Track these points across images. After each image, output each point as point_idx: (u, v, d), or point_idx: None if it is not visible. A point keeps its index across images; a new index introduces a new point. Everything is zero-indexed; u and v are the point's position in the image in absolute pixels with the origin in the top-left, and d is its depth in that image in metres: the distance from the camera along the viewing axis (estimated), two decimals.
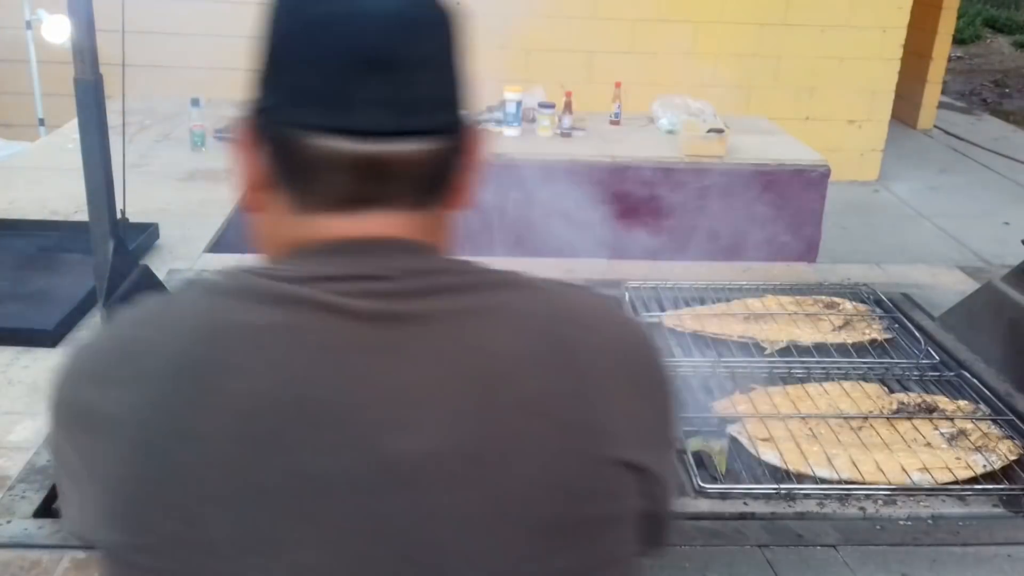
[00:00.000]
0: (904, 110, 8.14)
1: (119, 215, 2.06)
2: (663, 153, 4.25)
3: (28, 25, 5.11)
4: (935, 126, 8.74)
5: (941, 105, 9.00)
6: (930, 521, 1.65)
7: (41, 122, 5.35)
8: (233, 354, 0.71)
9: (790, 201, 4.20)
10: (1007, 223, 6.21)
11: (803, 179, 4.24)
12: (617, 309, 0.87)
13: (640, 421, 0.79)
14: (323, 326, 0.72)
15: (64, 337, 2.15)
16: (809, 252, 4.20)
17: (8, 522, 1.51)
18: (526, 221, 4.13)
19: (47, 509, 1.56)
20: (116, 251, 2.01)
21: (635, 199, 4.14)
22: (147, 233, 2.73)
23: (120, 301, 1.96)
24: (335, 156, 0.74)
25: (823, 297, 2.49)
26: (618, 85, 4.70)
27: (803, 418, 1.90)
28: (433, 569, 0.70)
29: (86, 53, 1.92)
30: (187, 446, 0.69)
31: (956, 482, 1.73)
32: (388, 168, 0.75)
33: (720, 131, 4.22)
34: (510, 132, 4.32)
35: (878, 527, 1.63)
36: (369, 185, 0.75)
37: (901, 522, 1.64)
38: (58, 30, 4.20)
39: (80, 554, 1.44)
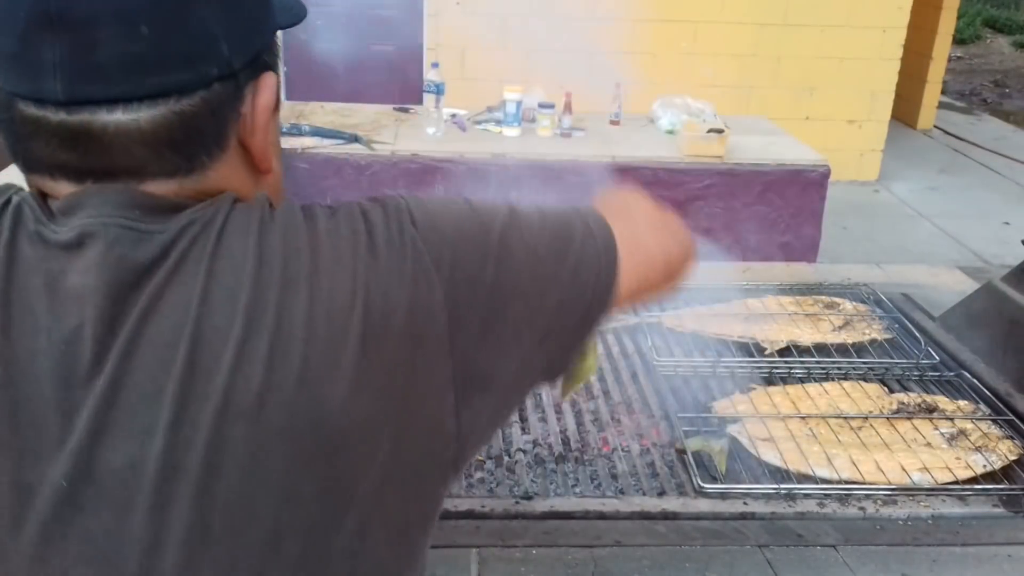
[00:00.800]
0: (904, 110, 8.14)
1: None
2: (663, 153, 4.25)
3: None
4: (935, 126, 8.73)
5: (941, 105, 9.00)
6: (930, 521, 1.65)
7: None
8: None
9: (790, 201, 4.20)
10: (1007, 223, 6.21)
11: (803, 179, 4.24)
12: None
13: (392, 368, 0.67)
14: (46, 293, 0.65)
15: None
16: (809, 252, 4.21)
17: None
18: None
19: None
20: None
21: None
22: None
23: None
24: (36, 123, 0.65)
25: (823, 297, 2.49)
26: (618, 85, 4.70)
27: (803, 418, 1.90)
28: None
29: None
30: None
31: (956, 482, 1.74)
32: (95, 140, 0.64)
33: (720, 131, 4.22)
34: (510, 132, 4.33)
35: (878, 527, 1.63)
36: (85, 157, 0.65)
37: (901, 522, 1.64)
38: None
39: None
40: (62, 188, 0.67)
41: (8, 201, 0.69)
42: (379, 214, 0.70)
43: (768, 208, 4.15)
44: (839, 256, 4.84)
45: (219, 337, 0.63)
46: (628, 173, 4.13)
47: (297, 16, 0.78)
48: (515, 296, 0.73)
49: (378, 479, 0.67)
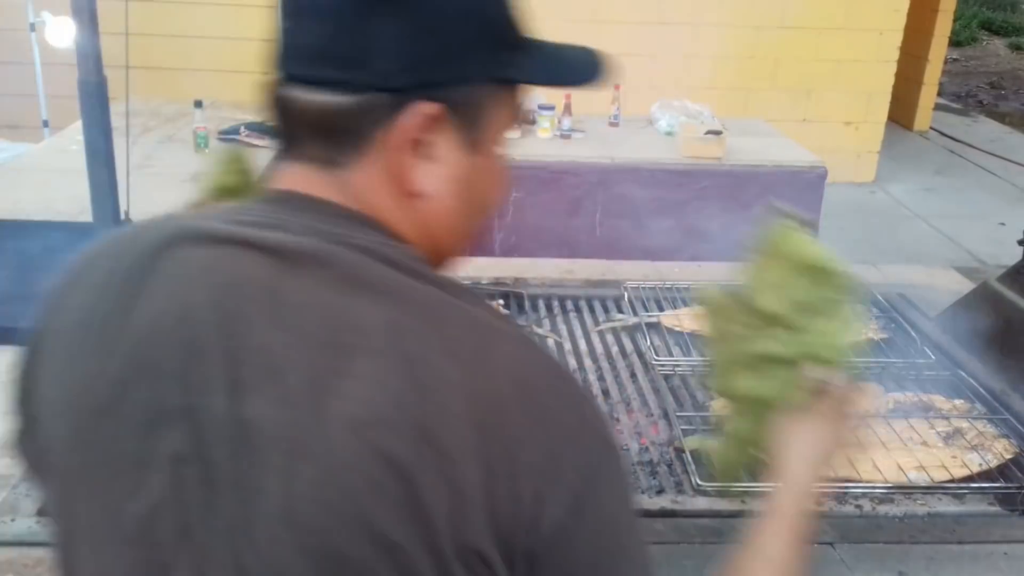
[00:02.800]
0: (900, 112, 8.17)
1: (123, 216, 2.07)
2: (662, 155, 4.27)
3: (32, 27, 5.13)
4: (931, 128, 8.77)
5: (937, 107, 9.04)
6: (926, 519, 1.66)
7: (45, 124, 5.37)
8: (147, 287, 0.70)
9: (787, 202, 4.21)
10: (1003, 224, 6.24)
11: (800, 180, 4.26)
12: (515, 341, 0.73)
13: (515, 484, 0.65)
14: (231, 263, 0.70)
15: None
16: None
17: (12, 520, 1.52)
18: (525, 222, 4.15)
19: None
20: None
21: (634, 201, 4.16)
22: None
23: None
24: (273, 99, 0.76)
25: None
26: (617, 87, 4.72)
27: None
28: None
29: (90, 55, 1.93)
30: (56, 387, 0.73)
31: (952, 480, 1.75)
32: (291, 114, 0.74)
33: (718, 133, 4.24)
34: (510, 133, 4.34)
35: (875, 525, 1.64)
36: (290, 132, 0.75)
37: (898, 520, 1.66)
38: (62, 33, 4.21)
39: None
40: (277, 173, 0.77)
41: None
42: (586, 404, 0.73)
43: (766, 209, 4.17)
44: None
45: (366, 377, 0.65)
46: (627, 175, 4.15)
47: (573, 78, 0.85)
48: None
49: None
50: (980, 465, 1.79)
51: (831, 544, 1.56)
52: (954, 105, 10.23)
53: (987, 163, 7.81)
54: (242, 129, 3.97)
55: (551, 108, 4.40)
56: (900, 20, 6.70)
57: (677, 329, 2.32)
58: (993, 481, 1.76)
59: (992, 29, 14.06)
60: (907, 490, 1.72)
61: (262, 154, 3.18)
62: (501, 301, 2.45)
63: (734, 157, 4.26)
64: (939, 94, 9.08)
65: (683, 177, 4.18)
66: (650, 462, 1.81)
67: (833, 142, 6.67)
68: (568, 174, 4.13)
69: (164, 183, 3.40)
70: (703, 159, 4.21)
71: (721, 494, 1.68)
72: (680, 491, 1.71)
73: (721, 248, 3.96)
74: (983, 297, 2.28)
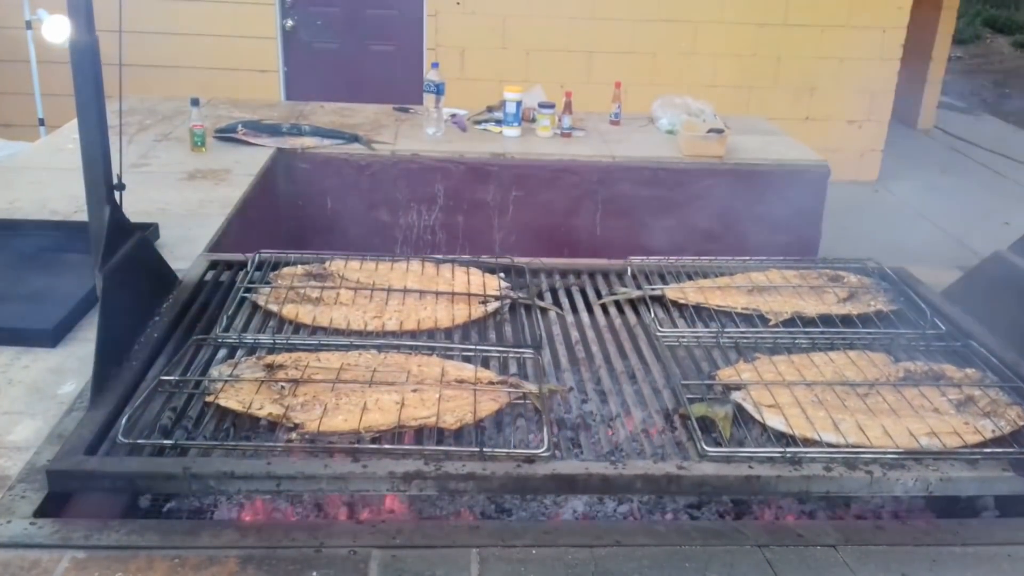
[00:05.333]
0: (904, 110, 8.14)
1: (115, 180, 2.02)
2: (663, 153, 4.24)
3: (28, 25, 5.14)
4: (935, 126, 8.74)
5: (941, 105, 9.01)
6: (930, 521, 1.62)
7: (41, 122, 5.38)
8: None
9: (790, 201, 4.19)
10: (1007, 223, 6.19)
11: (803, 179, 4.23)
12: None
13: None
14: None
15: (64, 337, 2.13)
16: (809, 252, 4.19)
17: (8, 522, 1.49)
18: (524, 221, 4.12)
19: (47, 509, 1.55)
20: (112, 216, 1.97)
21: (635, 200, 4.14)
22: (147, 232, 2.72)
23: (116, 268, 1.94)
24: None
25: (827, 270, 2.47)
26: (618, 85, 4.70)
27: (808, 385, 1.88)
28: None
29: (85, 53, 1.90)
30: None
31: (965, 446, 1.71)
32: None
33: (720, 131, 4.21)
34: (510, 132, 4.32)
35: (878, 527, 1.60)
36: None
37: (900, 523, 1.61)
38: (58, 30, 4.20)
39: (80, 554, 1.43)
40: None
41: None
42: None
43: (768, 208, 4.14)
44: (839, 256, 4.81)
45: None
46: (628, 173, 4.12)
47: None
48: None
49: None
50: (993, 431, 1.75)
51: (834, 547, 1.52)
52: (958, 103, 10.20)
53: (991, 162, 7.77)
54: (239, 127, 3.96)
55: (551, 106, 4.37)
56: (903, 17, 6.68)
57: (682, 301, 2.28)
58: (1007, 447, 1.72)
59: (996, 27, 14.03)
60: (919, 456, 1.68)
61: (258, 152, 3.17)
62: (502, 275, 2.41)
63: (736, 156, 4.22)
64: (943, 92, 9.05)
65: (685, 176, 4.15)
66: (655, 429, 1.76)
67: (836, 140, 6.65)
68: (568, 173, 4.10)
69: (160, 181, 3.38)
70: (705, 158, 4.17)
71: (727, 459, 1.64)
72: (685, 458, 1.66)
73: (723, 247, 3.93)
74: (994, 267, 2.24)
